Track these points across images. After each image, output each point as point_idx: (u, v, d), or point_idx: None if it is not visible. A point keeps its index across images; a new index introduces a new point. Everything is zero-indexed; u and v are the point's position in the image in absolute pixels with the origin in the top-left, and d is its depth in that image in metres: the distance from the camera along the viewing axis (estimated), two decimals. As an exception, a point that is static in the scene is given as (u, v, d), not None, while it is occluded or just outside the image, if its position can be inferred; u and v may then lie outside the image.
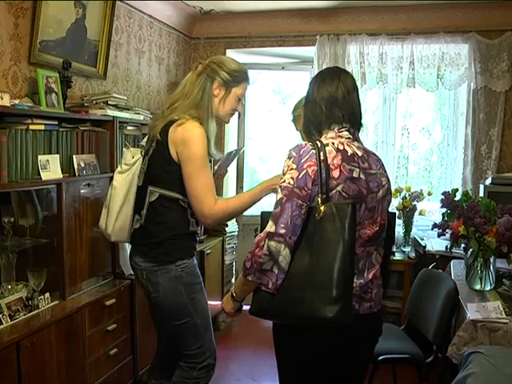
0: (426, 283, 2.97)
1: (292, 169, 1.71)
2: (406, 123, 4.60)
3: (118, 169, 2.45)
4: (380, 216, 1.80)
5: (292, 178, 1.70)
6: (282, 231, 1.65)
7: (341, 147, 1.75)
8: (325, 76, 1.88)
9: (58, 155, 2.71)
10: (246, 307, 5.33)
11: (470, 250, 2.80)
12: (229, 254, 4.65)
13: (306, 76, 4.96)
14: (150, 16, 4.19)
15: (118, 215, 2.40)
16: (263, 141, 5.58)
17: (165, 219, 2.22)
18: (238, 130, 5.22)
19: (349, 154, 1.74)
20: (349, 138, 1.80)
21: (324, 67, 4.51)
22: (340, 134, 1.80)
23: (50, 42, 2.98)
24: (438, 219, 3.08)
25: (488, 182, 3.93)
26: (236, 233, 4.78)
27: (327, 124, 1.81)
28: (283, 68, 5.17)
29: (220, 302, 4.36)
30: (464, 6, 4.27)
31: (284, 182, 1.71)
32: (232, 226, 4.67)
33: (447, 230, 2.89)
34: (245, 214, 5.37)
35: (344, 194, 1.70)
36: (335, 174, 1.70)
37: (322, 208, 1.67)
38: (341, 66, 1.94)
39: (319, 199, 1.68)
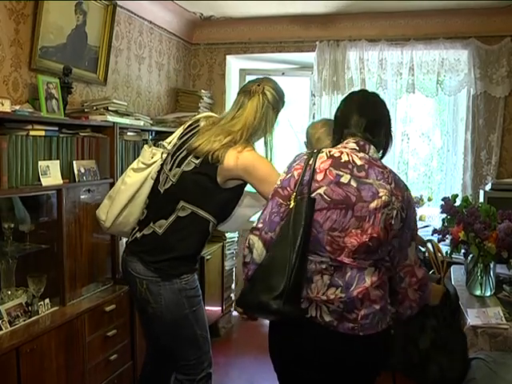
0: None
1: (284, 172, 1.85)
2: (406, 129, 4.61)
3: (134, 165, 2.38)
4: (372, 228, 1.72)
5: (280, 179, 1.83)
6: (260, 225, 1.80)
7: (336, 154, 1.79)
8: (349, 96, 2.00)
9: (58, 161, 2.72)
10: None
11: (470, 255, 2.79)
12: (229, 259, 4.64)
13: (305, 82, 4.98)
14: (150, 22, 4.21)
15: (121, 212, 2.34)
16: (263, 146, 5.57)
17: (187, 238, 2.19)
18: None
19: (342, 160, 1.77)
20: (354, 148, 1.82)
21: (324, 73, 4.56)
22: (346, 145, 1.84)
23: (50, 48, 3.00)
24: (438, 225, 3.08)
25: (488, 187, 3.93)
26: (236, 238, 4.78)
27: (340, 139, 1.90)
28: (283, 74, 5.19)
29: (220, 308, 4.38)
30: (463, 12, 4.29)
31: (276, 183, 1.84)
32: (232, 232, 4.66)
33: (447, 236, 2.88)
34: (244, 219, 5.35)
35: (325, 196, 1.74)
36: (319, 177, 1.76)
37: (291, 205, 1.75)
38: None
39: (292, 196, 1.76)
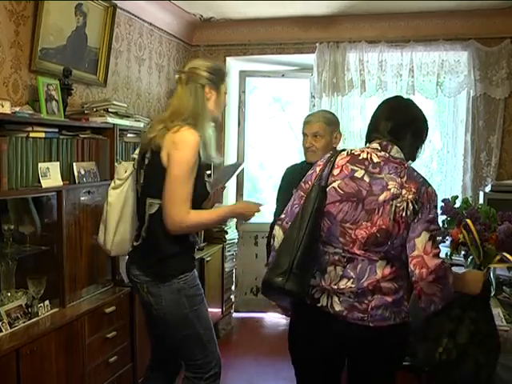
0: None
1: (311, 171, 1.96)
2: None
3: (112, 184, 2.44)
4: (382, 219, 1.78)
5: (306, 175, 1.96)
6: (283, 216, 1.94)
7: (356, 153, 1.89)
8: (382, 102, 2.06)
9: (58, 163, 2.72)
10: (238, 314, 5.25)
11: (470, 257, 2.79)
12: (229, 261, 4.65)
13: (305, 83, 4.98)
14: (151, 24, 4.21)
15: (115, 230, 2.39)
16: (263, 148, 5.60)
17: (166, 234, 2.18)
18: (237, 137, 5.24)
19: (360, 158, 1.87)
20: (376, 148, 1.90)
21: (324, 75, 4.57)
22: (370, 145, 1.94)
23: (50, 49, 3.00)
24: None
25: (488, 189, 3.93)
26: (236, 240, 4.79)
27: (369, 141, 1.99)
28: (283, 75, 5.20)
29: (220, 310, 4.38)
30: (463, 14, 4.30)
31: None
32: (232, 234, 4.68)
33: (447, 238, 2.88)
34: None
35: (339, 189, 1.84)
36: (336, 172, 1.86)
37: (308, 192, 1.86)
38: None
39: (311, 186, 1.87)
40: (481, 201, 3.87)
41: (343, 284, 1.80)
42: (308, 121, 2.93)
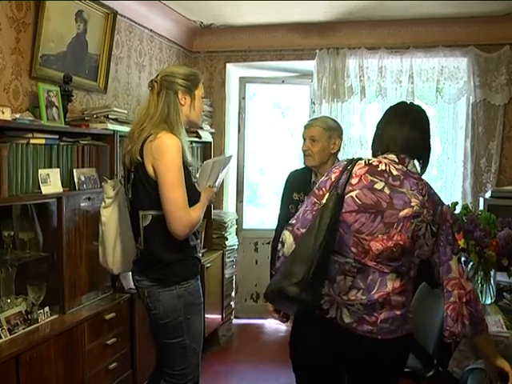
0: (426, 297, 2.97)
1: (324, 177, 1.92)
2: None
3: (102, 204, 2.47)
4: (399, 235, 1.76)
5: (319, 182, 1.91)
6: (293, 221, 1.89)
7: (374, 163, 1.84)
8: (392, 112, 1.99)
9: (58, 169, 2.72)
10: (238, 321, 5.24)
11: (471, 263, 2.80)
12: (229, 267, 4.64)
13: (305, 89, 5.00)
14: (151, 30, 4.22)
15: (114, 249, 2.43)
16: (263, 154, 5.60)
17: (164, 240, 2.20)
18: (237, 143, 5.25)
19: (379, 169, 1.82)
20: (393, 160, 1.86)
21: (323, 81, 4.57)
22: (387, 155, 1.88)
23: (51, 56, 3.00)
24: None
25: (488, 195, 3.93)
26: (236, 246, 4.78)
27: (380, 151, 1.93)
28: (283, 82, 5.21)
29: (220, 316, 4.38)
30: (463, 20, 4.31)
31: None
32: (232, 240, 4.68)
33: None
34: (244, 227, 5.43)
35: (357, 199, 1.79)
36: (354, 181, 1.82)
37: (324, 200, 1.81)
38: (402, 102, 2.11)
39: (326, 196, 1.81)
40: (481, 207, 3.88)
41: (353, 295, 1.79)
42: (307, 125, 2.95)
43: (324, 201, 1.80)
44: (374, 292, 1.78)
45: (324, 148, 2.84)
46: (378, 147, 1.94)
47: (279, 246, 1.90)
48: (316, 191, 1.88)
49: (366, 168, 1.83)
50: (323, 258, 1.74)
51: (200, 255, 2.42)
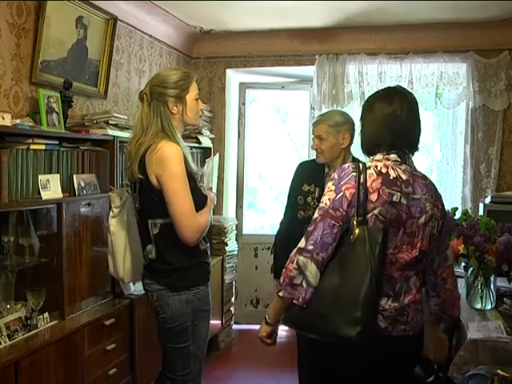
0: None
1: (331, 190, 1.79)
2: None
3: (111, 214, 2.49)
4: (421, 242, 1.79)
5: (329, 199, 1.77)
6: (310, 247, 1.73)
7: (383, 170, 1.78)
8: (380, 96, 1.91)
9: (58, 175, 2.72)
10: (238, 326, 5.22)
11: (471, 268, 2.79)
12: (229, 273, 4.64)
13: (305, 95, 5.02)
14: (151, 36, 4.24)
15: (124, 258, 2.45)
16: (263, 159, 5.62)
17: (175, 247, 2.22)
18: (237, 148, 5.25)
19: (391, 177, 1.77)
20: (396, 160, 1.81)
21: (323, 86, 4.57)
22: (387, 156, 1.82)
23: (51, 62, 3.01)
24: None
25: (487, 200, 3.93)
26: (236, 252, 4.78)
27: (377, 146, 1.85)
28: (283, 87, 5.22)
29: (220, 322, 4.36)
30: (462, 26, 4.32)
31: (322, 202, 1.79)
32: (232, 245, 4.67)
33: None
34: (244, 232, 5.42)
35: (381, 217, 1.73)
36: (373, 197, 1.74)
37: (357, 231, 1.72)
38: (395, 87, 2.00)
39: (354, 221, 1.73)
40: (480, 212, 3.87)
41: (385, 303, 1.79)
42: (314, 122, 2.93)
43: (355, 228, 1.72)
44: (402, 298, 1.81)
45: (332, 145, 2.81)
46: (372, 147, 1.86)
47: (293, 272, 1.74)
48: (332, 212, 1.75)
49: (380, 179, 1.75)
50: (378, 295, 1.72)
51: (210, 260, 2.43)
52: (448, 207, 3.24)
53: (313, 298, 1.73)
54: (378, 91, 1.98)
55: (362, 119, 1.94)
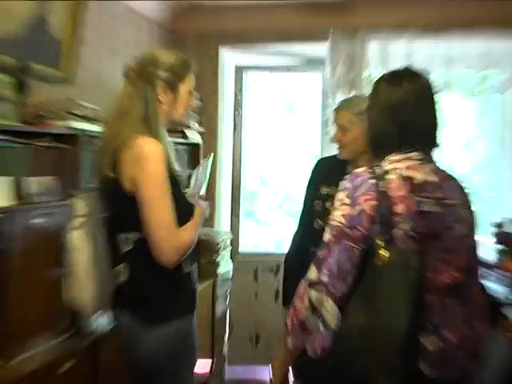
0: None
1: (344, 204, 1.75)
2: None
3: (72, 225, 2.39)
4: (463, 259, 1.77)
5: (343, 215, 1.74)
6: (325, 279, 1.70)
7: (407, 174, 1.75)
8: (385, 81, 1.91)
9: (6, 178, 2.68)
10: (233, 370, 5.09)
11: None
12: (221, 301, 4.55)
13: (316, 79, 5.02)
14: (126, 8, 4.17)
15: (86, 284, 2.33)
16: (265, 158, 5.61)
17: (151, 269, 2.16)
18: (233, 144, 5.24)
19: (417, 182, 1.74)
20: (419, 159, 1.79)
21: (338, 70, 4.55)
22: (409, 155, 1.80)
23: (2, 39, 2.94)
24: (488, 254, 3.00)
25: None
26: (230, 275, 4.71)
27: (393, 143, 1.83)
28: (288, 70, 5.23)
29: (209, 366, 4.23)
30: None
31: (334, 220, 1.76)
32: (225, 266, 4.59)
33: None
34: (241, 250, 5.36)
35: (412, 233, 1.69)
36: (399, 209, 1.70)
37: (384, 253, 1.67)
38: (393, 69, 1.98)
39: (379, 241, 1.68)
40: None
41: (425, 341, 1.74)
42: (335, 109, 2.88)
43: (381, 251, 1.68)
44: (446, 331, 1.77)
45: (357, 137, 2.72)
46: (380, 144, 1.87)
47: (304, 312, 1.73)
48: (348, 232, 1.72)
49: (405, 186, 1.72)
50: (414, 336, 1.67)
51: (197, 285, 2.39)
52: (499, 218, 3.17)
53: (332, 344, 1.69)
54: (383, 75, 1.97)
55: (367, 110, 1.96)
